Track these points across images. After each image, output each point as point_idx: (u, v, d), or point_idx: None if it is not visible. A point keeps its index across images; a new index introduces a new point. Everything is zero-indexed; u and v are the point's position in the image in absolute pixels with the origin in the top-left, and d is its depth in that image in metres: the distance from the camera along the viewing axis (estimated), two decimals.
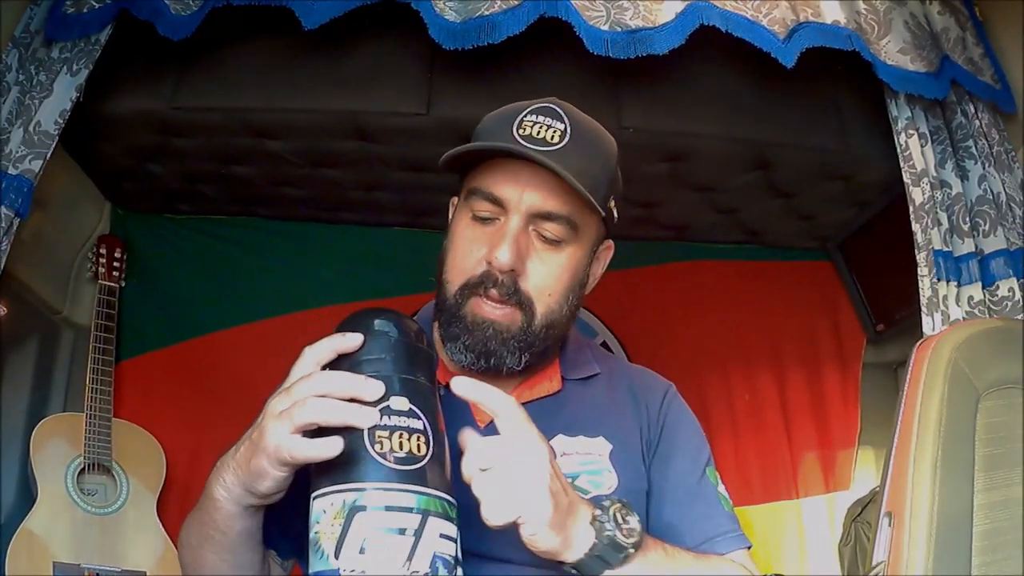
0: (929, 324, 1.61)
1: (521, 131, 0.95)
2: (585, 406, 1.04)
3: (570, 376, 1.06)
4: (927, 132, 1.70)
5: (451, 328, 0.97)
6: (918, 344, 0.87)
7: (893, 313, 2.25)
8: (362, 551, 0.70)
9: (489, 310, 0.96)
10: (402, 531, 0.70)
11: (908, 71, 1.63)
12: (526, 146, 0.93)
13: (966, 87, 1.71)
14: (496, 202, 0.96)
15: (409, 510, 0.71)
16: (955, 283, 1.65)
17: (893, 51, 1.63)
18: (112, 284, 2.16)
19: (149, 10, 1.58)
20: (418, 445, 0.74)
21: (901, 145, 1.68)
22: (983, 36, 1.79)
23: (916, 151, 1.67)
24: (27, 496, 1.92)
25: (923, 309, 1.62)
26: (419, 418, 0.76)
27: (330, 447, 0.72)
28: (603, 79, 1.73)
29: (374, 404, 0.75)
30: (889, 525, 0.79)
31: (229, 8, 1.57)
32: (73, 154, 1.99)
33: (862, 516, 2.11)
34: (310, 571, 0.74)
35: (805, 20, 1.56)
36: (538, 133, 0.95)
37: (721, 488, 1.04)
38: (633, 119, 1.77)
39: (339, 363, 0.78)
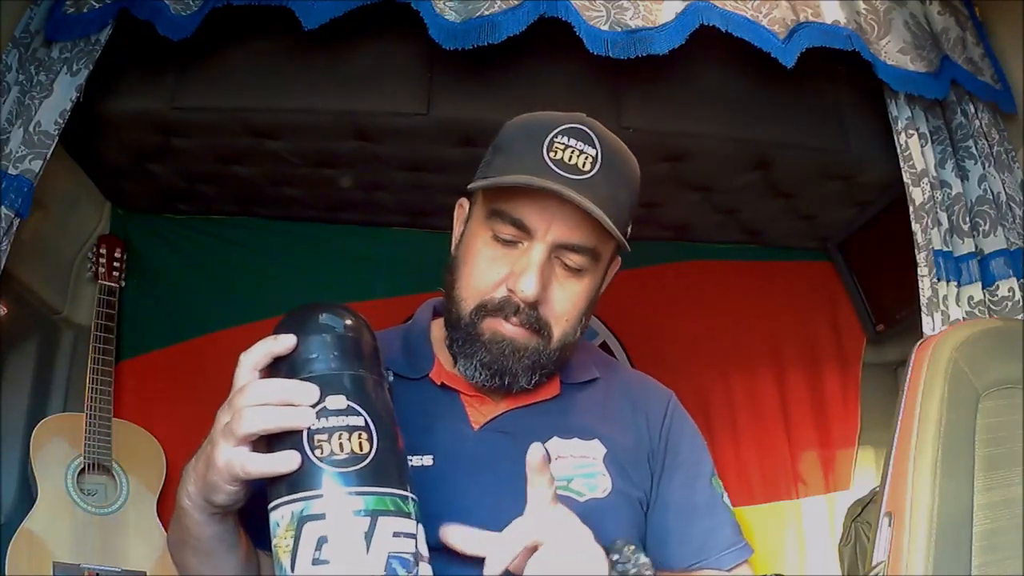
0: (929, 324, 1.61)
1: (552, 154, 0.92)
2: (582, 410, 1.04)
3: (568, 380, 1.05)
4: (927, 132, 1.70)
5: (467, 346, 0.96)
6: (918, 344, 0.87)
7: (893, 313, 2.25)
8: (315, 561, 0.68)
9: (509, 329, 0.95)
10: (351, 536, 0.68)
11: (908, 71, 1.63)
12: (559, 174, 0.91)
13: (966, 87, 1.71)
14: (521, 227, 0.94)
15: (357, 513, 0.69)
16: (955, 283, 1.65)
17: (893, 51, 1.63)
18: (112, 284, 2.16)
19: (149, 10, 1.58)
20: (360, 443, 0.71)
21: (901, 145, 1.68)
22: (983, 36, 1.79)
23: (916, 151, 1.67)
24: (27, 496, 1.92)
25: (923, 309, 1.62)
26: (359, 414, 0.72)
27: (286, 461, 0.71)
28: (603, 79, 1.73)
29: (312, 407, 0.72)
30: (889, 525, 0.79)
31: (229, 8, 1.57)
32: (73, 154, 1.99)
33: (862, 516, 2.11)
34: None
35: (805, 20, 1.56)
36: (570, 158, 0.92)
37: (725, 498, 1.05)
38: (633, 119, 1.77)
39: (277, 366, 0.76)
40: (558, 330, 0.96)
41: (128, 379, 2.21)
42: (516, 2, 1.51)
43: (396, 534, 0.70)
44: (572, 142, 0.93)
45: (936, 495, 0.77)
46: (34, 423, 1.96)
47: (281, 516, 0.70)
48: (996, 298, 1.64)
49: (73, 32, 1.60)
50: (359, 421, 0.72)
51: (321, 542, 0.68)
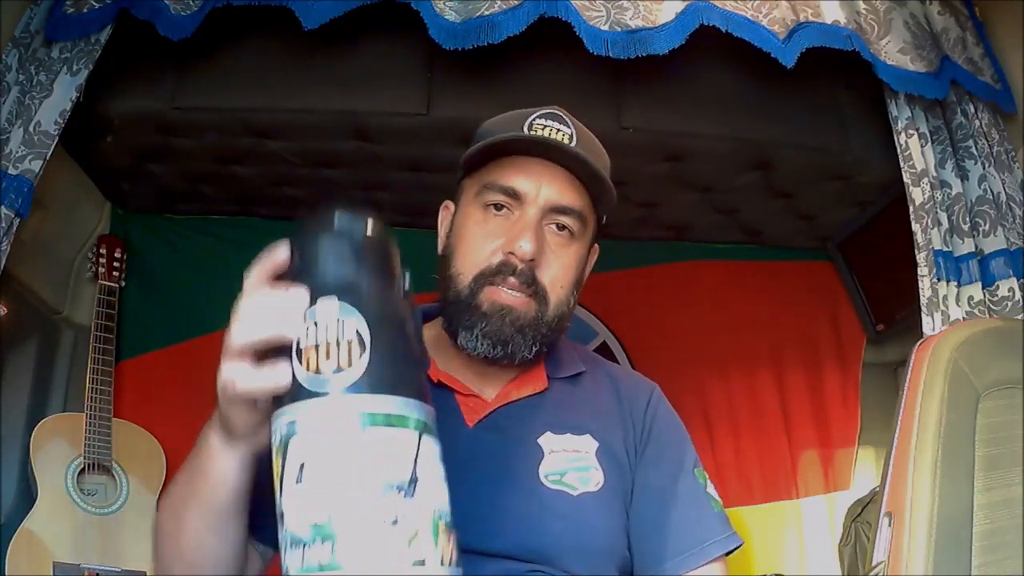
0: (929, 324, 1.61)
1: (532, 132, 0.99)
2: (571, 404, 1.05)
3: (555, 375, 1.06)
4: (927, 132, 1.71)
5: (466, 318, 0.98)
6: (918, 344, 0.87)
7: (893, 313, 2.25)
8: (299, 481, 0.60)
9: (507, 296, 0.97)
10: (340, 448, 0.60)
11: (908, 71, 1.63)
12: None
13: (966, 87, 1.71)
14: (513, 195, 0.99)
15: (342, 427, 0.61)
16: (955, 283, 1.65)
17: (893, 51, 1.63)
18: (112, 284, 2.17)
19: (149, 10, 1.58)
20: (350, 353, 0.63)
21: (901, 145, 1.68)
22: (983, 36, 1.79)
23: (916, 151, 1.67)
24: (27, 496, 1.92)
25: (923, 309, 1.62)
26: (353, 320, 0.64)
27: (275, 375, 0.64)
28: (603, 79, 1.74)
29: (302, 315, 0.65)
30: (889, 525, 0.79)
31: (229, 8, 1.57)
32: (73, 154, 1.99)
33: (862, 516, 2.11)
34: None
35: (805, 20, 1.56)
36: (549, 135, 0.99)
37: (710, 488, 1.04)
38: (633, 119, 1.78)
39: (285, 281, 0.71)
40: (554, 296, 0.99)
41: (128, 379, 2.21)
42: (516, 2, 1.51)
43: (389, 452, 0.61)
44: (550, 123, 1.00)
45: (936, 495, 0.77)
46: (34, 423, 1.96)
47: (273, 436, 0.64)
48: (996, 298, 1.64)
49: (73, 32, 1.60)
50: (351, 329, 0.64)
51: (305, 459, 0.61)
